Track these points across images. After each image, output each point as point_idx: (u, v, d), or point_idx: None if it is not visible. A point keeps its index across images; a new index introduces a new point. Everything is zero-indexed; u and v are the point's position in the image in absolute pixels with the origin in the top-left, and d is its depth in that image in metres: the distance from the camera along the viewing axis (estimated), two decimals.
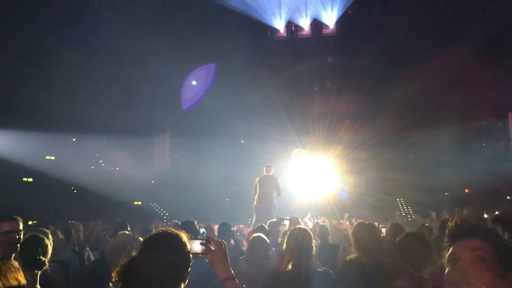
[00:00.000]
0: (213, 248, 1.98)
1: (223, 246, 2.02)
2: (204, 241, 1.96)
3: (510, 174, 18.76)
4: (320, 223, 7.30)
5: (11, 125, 15.27)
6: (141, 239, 2.89)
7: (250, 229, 8.35)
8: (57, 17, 16.38)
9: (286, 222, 6.02)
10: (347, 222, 10.98)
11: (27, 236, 3.01)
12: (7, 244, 3.12)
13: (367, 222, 3.72)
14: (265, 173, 9.67)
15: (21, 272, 1.20)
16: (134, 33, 17.67)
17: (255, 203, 9.17)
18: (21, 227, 3.36)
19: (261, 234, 3.92)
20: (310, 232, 3.38)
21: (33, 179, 17.43)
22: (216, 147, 20.98)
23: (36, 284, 2.74)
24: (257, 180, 9.57)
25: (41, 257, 2.74)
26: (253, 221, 8.99)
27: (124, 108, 22.53)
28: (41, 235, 2.97)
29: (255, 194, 9.36)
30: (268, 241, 3.87)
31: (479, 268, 1.41)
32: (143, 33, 17.86)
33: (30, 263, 2.71)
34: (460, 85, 20.08)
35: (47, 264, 2.82)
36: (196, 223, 4.39)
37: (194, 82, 21.97)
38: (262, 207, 8.99)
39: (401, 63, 19.41)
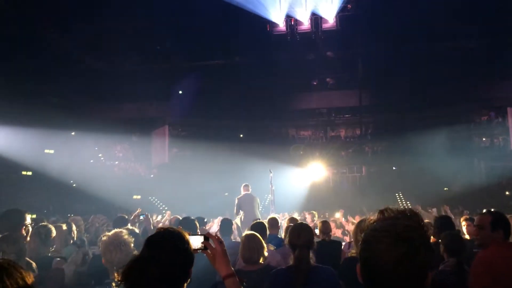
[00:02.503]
0: (213, 246, 1.99)
1: (223, 244, 2.02)
2: (204, 238, 1.97)
3: (509, 170, 18.81)
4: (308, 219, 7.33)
5: (10, 119, 15.24)
6: (130, 238, 2.89)
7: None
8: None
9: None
10: (343, 219, 11.06)
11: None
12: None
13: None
14: (243, 192, 9.72)
15: (30, 273, 1.21)
16: (136, 25, 17.69)
17: (241, 219, 9.18)
18: (28, 221, 3.46)
19: (253, 232, 3.94)
20: (311, 228, 3.40)
21: (32, 173, 17.42)
22: (215, 142, 21.00)
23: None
24: (237, 200, 9.63)
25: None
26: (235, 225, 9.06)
27: (123, 102, 22.55)
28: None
29: (237, 213, 9.43)
30: (261, 238, 3.88)
31: None
32: (143, 26, 17.85)
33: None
34: (460, 79, 20.09)
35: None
36: (196, 223, 4.38)
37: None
38: (247, 222, 9.03)
39: (401, 57, 19.40)
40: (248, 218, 8.91)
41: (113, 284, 1.67)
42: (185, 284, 1.76)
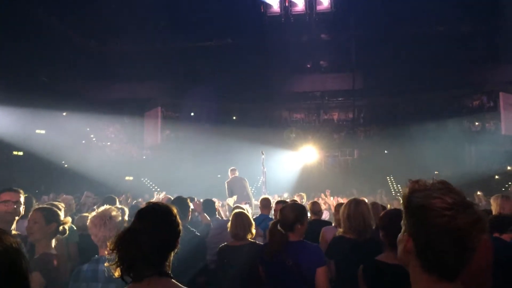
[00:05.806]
0: None
1: None
2: None
3: (500, 154, 19.00)
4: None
5: (1, 99, 15.10)
6: (119, 215, 2.91)
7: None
8: None
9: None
10: (331, 198, 11.20)
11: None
12: (4, 213, 3.38)
13: (360, 199, 3.80)
14: (231, 176, 9.78)
15: (16, 239, 1.23)
16: (128, 5, 17.48)
17: (233, 202, 9.28)
18: (21, 199, 3.53)
19: (241, 210, 4.12)
20: (299, 207, 3.44)
21: (23, 153, 17.36)
22: (208, 123, 20.99)
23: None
24: (227, 184, 9.70)
25: (64, 226, 3.10)
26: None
27: (115, 82, 22.39)
28: (55, 209, 3.27)
29: (230, 196, 9.49)
30: (249, 216, 4.08)
31: None
32: (135, 6, 17.65)
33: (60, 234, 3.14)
34: (453, 64, 20.12)
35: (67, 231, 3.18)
36: (189, 203, 4.42)
37: None
38: (239, 203, 9.10)
39: (395, 40, 19.37)
40: (239, 199, 9.03)
41: (106, 253, 1.75)
42: (173, 253, 1.84)
